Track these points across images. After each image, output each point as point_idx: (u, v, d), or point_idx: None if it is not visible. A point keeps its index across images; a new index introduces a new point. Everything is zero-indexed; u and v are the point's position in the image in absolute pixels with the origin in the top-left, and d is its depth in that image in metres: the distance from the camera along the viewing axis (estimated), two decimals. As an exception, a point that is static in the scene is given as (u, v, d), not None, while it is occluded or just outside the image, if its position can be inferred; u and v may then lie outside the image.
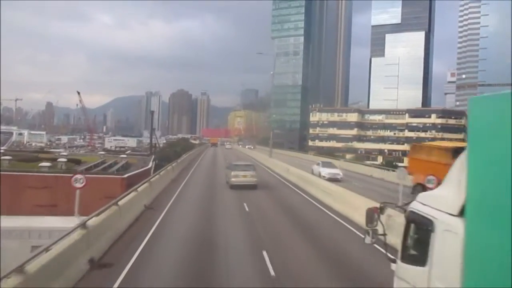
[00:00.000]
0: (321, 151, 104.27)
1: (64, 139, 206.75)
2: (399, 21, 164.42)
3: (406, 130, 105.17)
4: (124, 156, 48.77)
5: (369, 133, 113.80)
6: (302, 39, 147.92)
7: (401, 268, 5.00)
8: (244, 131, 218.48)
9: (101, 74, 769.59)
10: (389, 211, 7.49)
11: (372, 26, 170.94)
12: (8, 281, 5.87)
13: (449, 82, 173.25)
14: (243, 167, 25.78)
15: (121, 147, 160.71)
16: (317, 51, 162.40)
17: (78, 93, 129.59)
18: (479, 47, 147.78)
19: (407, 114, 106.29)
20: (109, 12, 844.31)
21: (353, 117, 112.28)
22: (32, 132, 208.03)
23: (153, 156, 53.61)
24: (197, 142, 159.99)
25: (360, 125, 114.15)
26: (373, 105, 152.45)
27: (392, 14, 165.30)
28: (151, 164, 39.51)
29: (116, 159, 46.11)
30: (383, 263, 6.06)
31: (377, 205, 6.14)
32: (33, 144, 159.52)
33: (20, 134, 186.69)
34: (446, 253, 3.99)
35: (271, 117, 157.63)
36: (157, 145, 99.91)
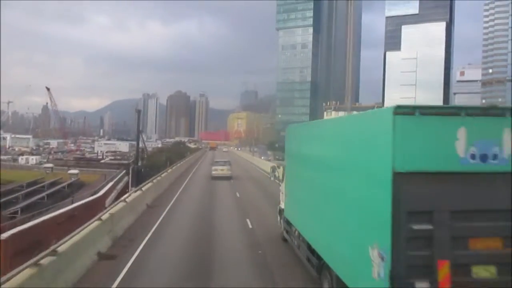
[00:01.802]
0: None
1: (54, 143, 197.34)
2: (417, 11, 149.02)
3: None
4: (75, 172, 33.09)
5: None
6: (311, 30, 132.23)
7: (280, 186, 13.00)
8: (245, 134, 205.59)
9: (99, 77, 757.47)
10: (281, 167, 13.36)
11: (387, 18, 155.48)
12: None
13: (458, 81, 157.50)
14: (221, 163, 35.07)
15: (112, 152, 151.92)
16: (327, 43, 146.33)
17: (48, 89, 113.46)
18: (508, 38, 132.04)
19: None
20: (106, 14, 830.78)
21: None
22: (18, 136, 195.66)
23: (124, 171, 37.77)
24: (193, 145, 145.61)
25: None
26: (388, 104, 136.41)
27: (409, 4, 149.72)
28: (105, 190, 23.34)
29: (61, 177, 30.22)
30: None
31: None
32: (17, 149, 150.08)
33: (4, 138, 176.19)
34: (285, 176, 12.10)
35: (276, 117, 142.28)
36: (144, 150, 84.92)
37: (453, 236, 4.72)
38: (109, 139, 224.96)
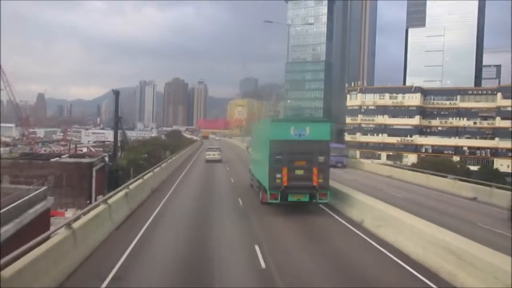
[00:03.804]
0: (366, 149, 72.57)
1: (40, 132, 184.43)
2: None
3: (498, 118, 71.54)
4: None
5: (436, 122, 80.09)
6: (325, 1, 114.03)
7: (250, 156, 29.43)
8: (246, 122, 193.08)
9: (97, 65, 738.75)
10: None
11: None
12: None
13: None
14: (213, 150, 45.02)
15: (100, 141, 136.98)
16: (342, 16, 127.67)
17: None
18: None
19: (499, 94, 72.30)
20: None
21: (413, 100, 78.18)
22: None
23: (48, 186, 20.42)
24: (188, 135, 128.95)
25: (423, 111, 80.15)
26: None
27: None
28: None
29: None
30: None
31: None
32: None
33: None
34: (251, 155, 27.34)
35: (284, 103, 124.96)
36: (124, 143, 68.53)
37: (288, 160, 15.38)
38: (103, 128, 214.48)
